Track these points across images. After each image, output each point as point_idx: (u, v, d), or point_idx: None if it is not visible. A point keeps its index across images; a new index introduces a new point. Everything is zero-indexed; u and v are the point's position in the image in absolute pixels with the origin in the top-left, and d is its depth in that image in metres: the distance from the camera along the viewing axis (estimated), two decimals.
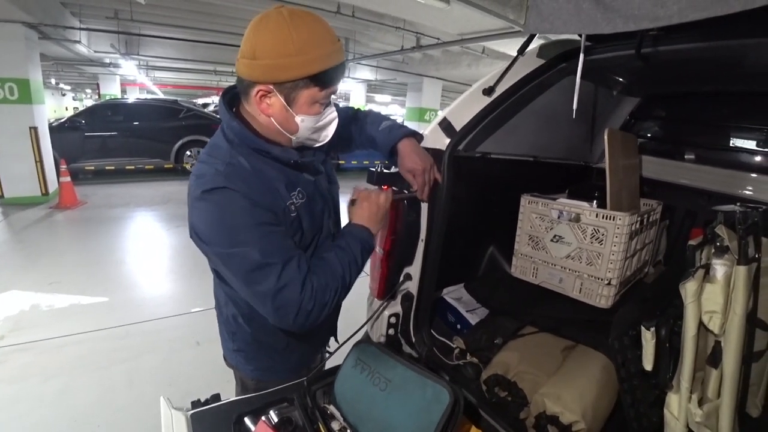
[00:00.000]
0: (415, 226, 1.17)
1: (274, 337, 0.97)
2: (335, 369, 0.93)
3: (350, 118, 1.09)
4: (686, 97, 1.90)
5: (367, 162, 9.40)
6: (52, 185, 5.78)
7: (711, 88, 1.62)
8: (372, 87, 13.86)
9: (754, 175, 1.66)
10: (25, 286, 3.19)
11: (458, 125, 1.12)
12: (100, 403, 2.01)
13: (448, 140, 1.13)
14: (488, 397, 1.06)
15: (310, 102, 0.78)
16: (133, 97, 11.99)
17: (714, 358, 0.95)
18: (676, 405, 0.97)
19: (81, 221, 4.97)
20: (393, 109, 25.31)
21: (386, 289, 1.22)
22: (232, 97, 0.87)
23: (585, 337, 1.15)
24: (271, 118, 0.80)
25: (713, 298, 0.92)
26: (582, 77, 1.37)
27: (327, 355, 1.15)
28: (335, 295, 0.80)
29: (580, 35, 0.97)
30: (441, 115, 1.16)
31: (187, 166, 7.72)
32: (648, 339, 0.96)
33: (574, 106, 1.00)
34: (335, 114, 0.86)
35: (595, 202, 1.44)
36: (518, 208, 1.50)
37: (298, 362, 1.07)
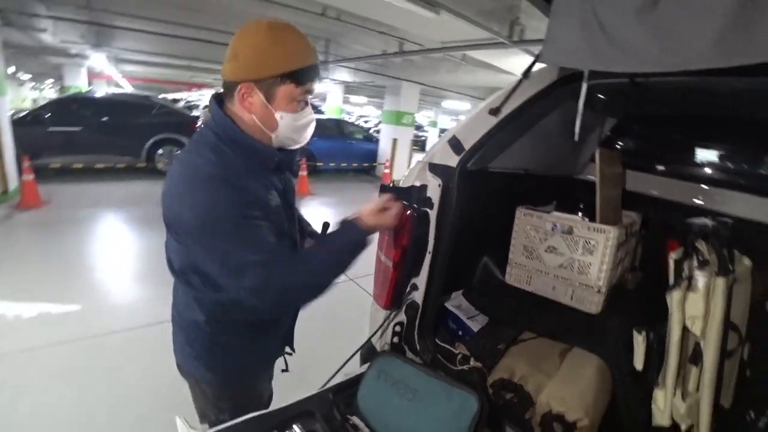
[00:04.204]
0: (424, 239, 1.22)
1: (232, 336, 1.00)
2: (353, 380, 0.97)
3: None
4: (659, 118, 2.06)
5: (345, 164, 9.42)
6: (13, 183, 5.44)
7: (684, 111, 1.77)
8: (348, 88, 13.85)
9: (718, 188, 1.82)
10: None
11: (467, 143, 1.19)
12: (80, 420, 1.92)
13: (456, 156, 1.19)
14: (494, 399, 1.13)
15: (288, 99, 0.86)
16: (101, 90, 11.43)
17: (695, 357, 1.06)
18: (662, 400, 1.08)
19: (46, 223, 4.71)
20: (368, 110, 25.33)
21: (394, 299, 1.26)
22: (220, 101, 0.92)
23: (579, 341, 1.24)
24: (253, 116, 0.87)
25: (695, 305, 1.02)
26: (574, 99, 1.47)
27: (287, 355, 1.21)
28: (308, 293, 0.89)
29: None
30: (450, 132, 1.22)
31: (160, 166, 7.47)
32: (639, 342, 1.05)
33: (577, 130, 1.09)
34: (313, 116, 0.94)
35: (580, 213, 1.55)
36: (510, 219, 1.58)
37: (258, 365, 1.11)
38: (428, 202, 1.20)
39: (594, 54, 0.86)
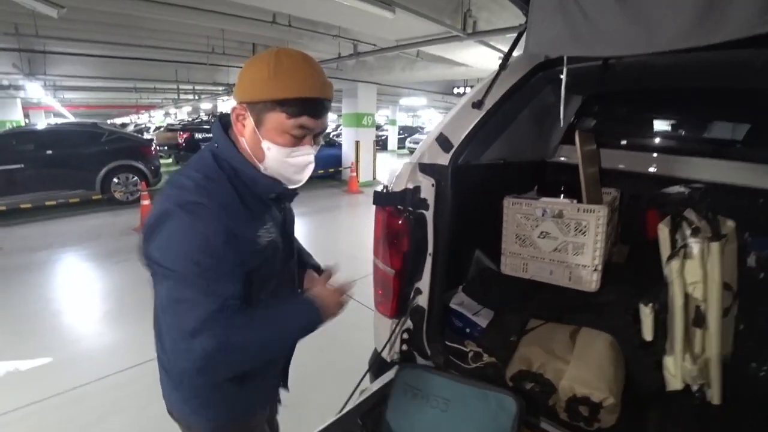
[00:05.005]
0: (423, 242, 1.20)
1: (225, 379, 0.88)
2: (376, 398, 0.93)
3: None
4: (623, 95, 2.14)
5: (321, 171, 9.28)
6: None
7: (649, 85, 1.84)
8: None
9: (685, 157, 1.92)
10: None
11: (455, 139, 1.18)
12: None
13: (446, 154, 1.18)
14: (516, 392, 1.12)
15: (278, 129, 0.78)
16: (40, 121, 10.65)
17: (698, 320, 1.10)
18: (672, 365, 1.11)
19: None
20: None
21: (399, 307, 1.24)
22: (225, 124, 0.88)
23: (586, 321, 1.26)
24: (244, 141, 0.82)
25: (693, 271, 1.06)
26: (549, 84, 1.49)
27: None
28: (239, 363, 0.77)
29: None
30: (436, 129, 1.20)
31: (118, 195, 7.06)
32: (647, 314, 1.08)
33: (561, 115, 1.10)
34: (310, 158, 0.84)
35: (562, 195, 1.59)
36: (496, 209, 1.59)
37: (254, 406, 1.00)
38: (423, 204, 1.18)
39: (576, 40, 0.87)
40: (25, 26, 5.14)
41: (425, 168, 1.19)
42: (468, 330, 1.38)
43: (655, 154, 2.03)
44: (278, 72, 0.74)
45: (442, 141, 1.18)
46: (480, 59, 5.95)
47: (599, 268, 1.37)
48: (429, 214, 1.19)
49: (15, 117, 11.19)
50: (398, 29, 4.42)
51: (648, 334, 1.10)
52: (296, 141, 0.80)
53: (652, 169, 2.01)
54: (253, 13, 4.58)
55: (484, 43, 4.65)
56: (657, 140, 2.12)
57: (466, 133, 1.17)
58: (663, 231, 1.23)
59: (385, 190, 1.14)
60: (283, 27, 4.92)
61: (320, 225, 6.09)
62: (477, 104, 1.19)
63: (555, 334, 1.23)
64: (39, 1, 3.25)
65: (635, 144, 2.13)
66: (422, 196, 1.18)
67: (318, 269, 1.09)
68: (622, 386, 1.07)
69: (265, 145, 0.79)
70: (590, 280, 1.38)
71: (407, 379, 0.88)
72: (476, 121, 1.18)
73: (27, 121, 12.14)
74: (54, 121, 12.68)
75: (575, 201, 1.40)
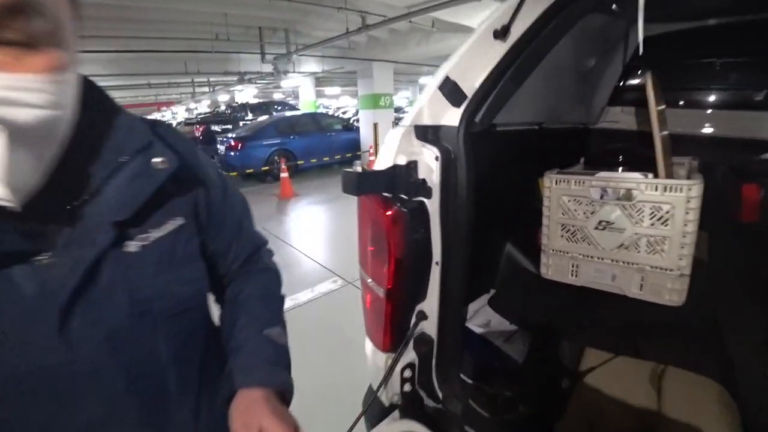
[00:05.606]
0: (425, 245, 0.82)
1: None
2: None
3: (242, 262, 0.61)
4: (683, 36, 1.65)
5: (327, 158, 8.91)
6: None
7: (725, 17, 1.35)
8: (319, 80, 13.28)
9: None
10: None
11: (468, 87, 0.77)
12: None
13: (456, 109, 0.78)
14: None
15: None
16: None
17: None
18: None
19: None
20: (344, 100, 24.65)
21: (395, 338, 0.86)
22: None
23: (672, 352, 0.85)
24: None
25: None
26: (596, 8, 1.05)
27: None
28: None
29: None
30: (441, 72, 0.80)
31: None
32: None
33: (640, 37, 0.67)
34: None
35: (620, 168, 1.16)
36: (531, 190, 1.18)
37: None
38: (422, 188, 0.79)
39: None
40: None
41: (424, 132, 0.79)
42: (497, 364, 0.99)
43: (727, 111, 1.56)
44: None
45: (450, 89, 0.77)
46: None
47: (687, 271, 0.94)
48: (433, 203, 0.80)
49: None
50: None
51: None
52: None
53: (723, 131, 1.54)
54: None
55: None
56: (732, 94, 1.63)
57: (485, 75, 0.76)
58: None
59: (360, 169, 0.76)
60: (284, 3, 4.53)
61: (340, 212, 5.75)
62: (500, 33, 0.78)
63: (628, 375, 0.83)
64: None
65: (699, 101, 1.65)
66: (420, 176, 0.78)
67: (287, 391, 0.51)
68: None
69: None
70: (673, 290, 0.95)
71: None
72: (499, 58, 0.77)
73: None
74: None
75: (650, 175, 0.97)
